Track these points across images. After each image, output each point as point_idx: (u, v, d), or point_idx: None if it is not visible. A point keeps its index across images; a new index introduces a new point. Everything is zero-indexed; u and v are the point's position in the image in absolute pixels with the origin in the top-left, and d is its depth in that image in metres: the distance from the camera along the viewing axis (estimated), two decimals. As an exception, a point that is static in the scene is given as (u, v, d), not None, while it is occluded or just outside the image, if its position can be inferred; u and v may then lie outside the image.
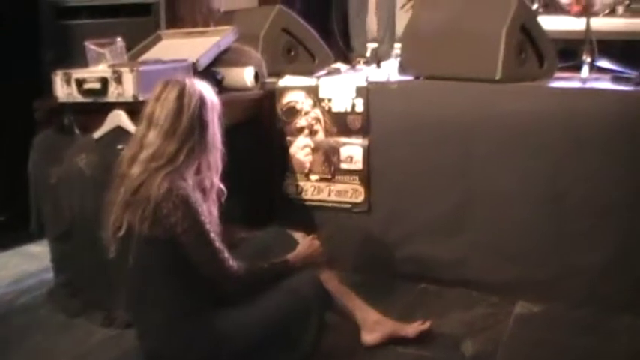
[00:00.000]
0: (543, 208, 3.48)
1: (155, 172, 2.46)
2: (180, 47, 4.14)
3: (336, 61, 5.25)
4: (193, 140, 2.53)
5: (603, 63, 4.18)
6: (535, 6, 6.23)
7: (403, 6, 6.61)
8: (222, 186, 2.74)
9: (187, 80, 2.60)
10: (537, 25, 3.80)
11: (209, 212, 2.62)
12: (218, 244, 2.53)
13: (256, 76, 4.05)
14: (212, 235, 2.52)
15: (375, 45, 6.17)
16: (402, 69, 4.13)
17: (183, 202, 2.44)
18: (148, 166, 2.47)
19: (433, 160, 3.74)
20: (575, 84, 3.66)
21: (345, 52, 5.86)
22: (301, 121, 4.12)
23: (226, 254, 2.55)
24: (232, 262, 2.56)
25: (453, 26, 3.79)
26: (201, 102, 2.56)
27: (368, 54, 5.94)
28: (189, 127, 2.52)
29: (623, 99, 3.42)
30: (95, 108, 3.36)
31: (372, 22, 6.07)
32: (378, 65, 5.32)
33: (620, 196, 3.34)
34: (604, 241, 3.40)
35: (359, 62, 5.63)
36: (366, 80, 3.97)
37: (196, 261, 2.51)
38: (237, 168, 2.77)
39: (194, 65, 3.68)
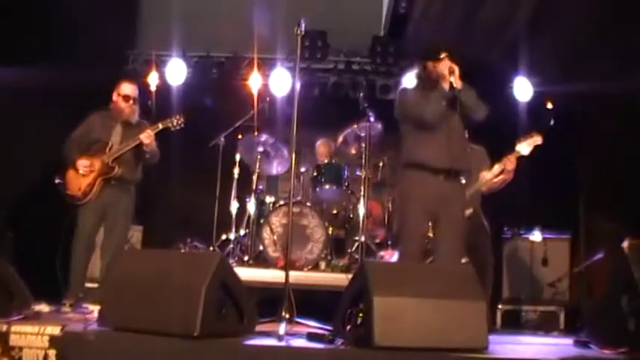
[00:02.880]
0: None
1: None
2: None
3: (39, 301, 4.95)
4: None
5: (302, 319, 4.37)
6: (246, 257, 6.59)
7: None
8: None
9: None
10: (238, 283, 3.92)
11: None
12: None
13: (-63, 322, 3.65)
14: None
15: (91, 285, 6.00)
16: (102, 320, 3.97)
17: None
18: None
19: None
20: (271, 341, 3.75)
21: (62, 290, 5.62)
22: (-15, 372, 3.71)
23: None
24: None
25: (154, 280, 3.79)
26: None
27: (81, 295, 5.74)
28: None
29: (315, 357, 3.54)
30: None
31: (96, 261, 5.93)
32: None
33: None
34: None
35: (65, 305, 5.38)
36: (61, 330, 3.73)
37: None
38: None
39: None
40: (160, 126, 5.84)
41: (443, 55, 4.71)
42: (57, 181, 5.79)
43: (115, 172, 5.73)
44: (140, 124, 5.94)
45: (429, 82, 4.77)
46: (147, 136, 5.74)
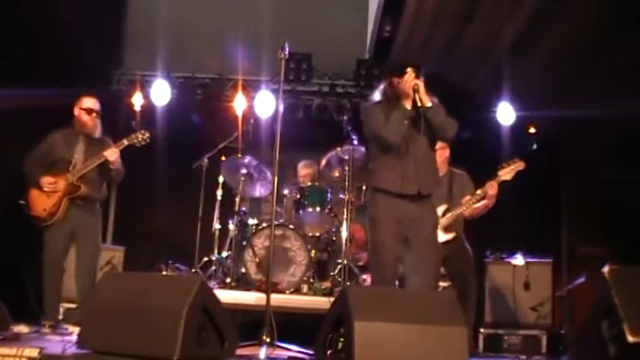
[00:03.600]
0: None
1: None
2: None
3: (19, 323, 4.92)
4: None
5: (284, 343, 4.36)
6: (228, 279, 6.57)
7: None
8: None
9: None
10: (219, 307, 3.90)
11: None
12: None
13: None
14: None
15: (70, 305, 5.95)
16: (81, 342, 3.93)
17: None
18: None
19: None
20: (252, 366, 3.75)
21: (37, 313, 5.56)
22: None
23: None
24: None
25: (134, 303, 3.76)
26: None
27: (60, 316, 5.69)
28: None
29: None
30: None
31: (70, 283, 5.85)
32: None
33: None
34: None
35: (44, 326, 5.32)
36: (40, 353, 3.70)
37: None
38: None
39: None
40: (125, 142, 5.74)
41: (408, 70, 4.48)
42: (20, 202, 5.67)
43: (81, 191, 5.60)
44: (103, 140, 5.83)
45: (393, 98, 4.58)
46: (112, 153, 5.64)
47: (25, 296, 6.04)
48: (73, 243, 5.67)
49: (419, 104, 4.43)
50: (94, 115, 5.79)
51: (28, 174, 5.69)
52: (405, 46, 7.60)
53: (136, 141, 5.77)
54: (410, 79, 4.45)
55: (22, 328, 4.96)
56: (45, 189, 5.60)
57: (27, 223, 5.68)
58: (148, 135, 5.81)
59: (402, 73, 4.49)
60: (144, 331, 3.62)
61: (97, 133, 5.83)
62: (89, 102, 5.83)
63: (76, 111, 5.82)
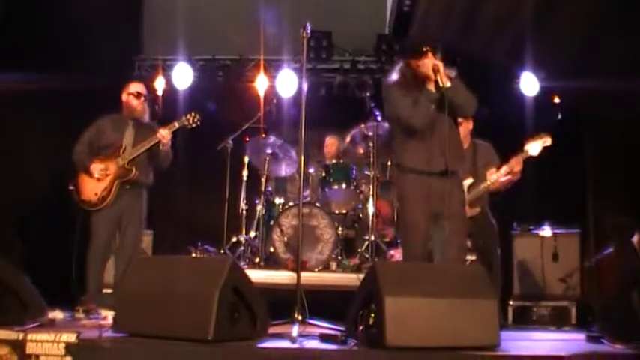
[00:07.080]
0: None
1: None
2: None
3: (53, 308, 5.00)
4: None
5: (315, 320, 4.40)
6: (256, 259, 6.62)
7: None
8: None
9: None
10: (250, 286, 3.95)
11: None
12: None
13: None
14: None
15: (107, 290, 6.02)
16: (116, 325, 4.00)
17: None
18: None
19: None
20: (284, 343, 3.78)
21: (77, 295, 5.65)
22: (4, 378, 3.74)
23: None
24: None
25: (167, 286, 3.82)
26: None
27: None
28: None
29: (328, 358, 3.57)
30: None
31: (110, 267, 5.92)
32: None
33: None
34: None
35: (78, 311, 5.39)
36: (77, 337, 3.76)
37: None
38: None
39: None
40: (177, 125, 5.77)
41: (425, 50, 4.42)
42: (70, 187, 5.72)
43: (133, 174, 5.65)
44: (152, 125, 5.87)
45: (414, 81, 4.53)
46: (165, 135, 5.67)
47: (60, 281, 6.11)
48: (119, 228, 5.73)
49: (441, 85, 4.39)
50: (142, 99, 5.86)
51: (77, 160, 5.74)
52: (426, 20, 7.54)
53: (187, 123, 5.81)
54: (429, 61, 4.41)
55: (57, 314, 5.02)
56: (95, 175, 5.64)
57: (70, 209, 5.72)
58: (198, 117, 5.82)
59: (420, 55, 4.45)
60: (177, 313, 3.68)
61: (146, 117, 5.90)
62: (137, 86, 5.90)
63: (124, 96, 5.87)
